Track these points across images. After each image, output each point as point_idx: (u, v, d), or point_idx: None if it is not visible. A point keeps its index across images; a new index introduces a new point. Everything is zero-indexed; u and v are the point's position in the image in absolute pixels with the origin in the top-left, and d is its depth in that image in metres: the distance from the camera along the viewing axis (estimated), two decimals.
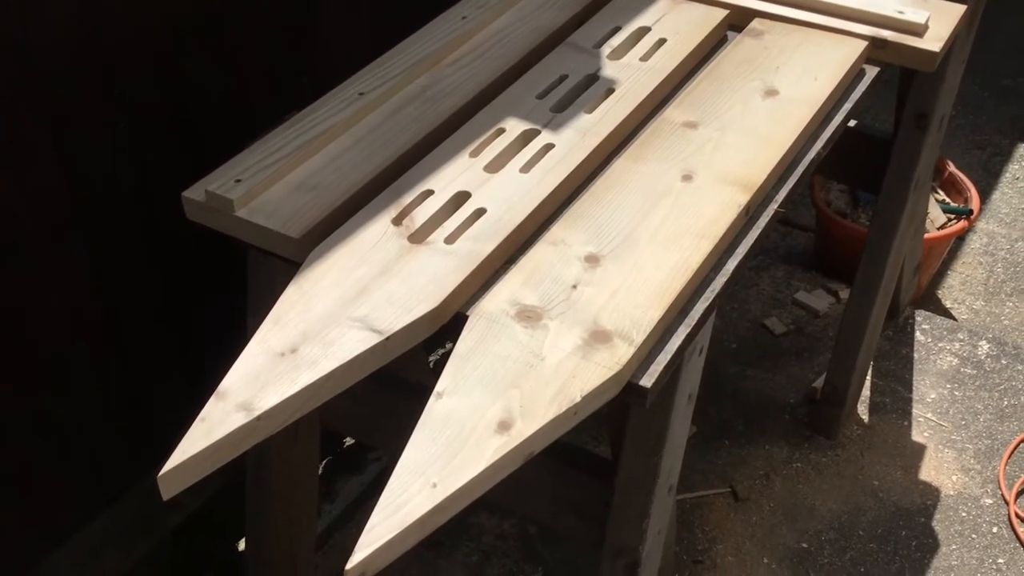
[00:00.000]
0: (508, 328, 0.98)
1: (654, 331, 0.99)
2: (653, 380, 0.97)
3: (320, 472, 1.83)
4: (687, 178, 1.17)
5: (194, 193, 1.14)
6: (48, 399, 1.35)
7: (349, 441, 1.99)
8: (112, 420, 1.46)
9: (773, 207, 1.18)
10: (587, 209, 1.14)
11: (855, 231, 2.41)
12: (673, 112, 1.29)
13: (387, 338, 0.97)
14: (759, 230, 1.15)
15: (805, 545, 1.92)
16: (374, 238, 1.08)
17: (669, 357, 1.00)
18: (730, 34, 1.49)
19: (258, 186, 1.14)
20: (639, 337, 0.97)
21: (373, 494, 1.94)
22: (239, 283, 1.27)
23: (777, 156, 1.21)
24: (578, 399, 0.91)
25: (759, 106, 1.29)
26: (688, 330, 1.03)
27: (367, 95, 1.29)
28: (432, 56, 1.37)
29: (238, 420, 0.88)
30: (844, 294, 2.49)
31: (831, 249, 2.53)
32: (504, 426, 0.88)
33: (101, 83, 1.26)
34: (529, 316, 1.00)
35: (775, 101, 1.30)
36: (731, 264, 1.10)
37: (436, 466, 0.84)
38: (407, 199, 1.14)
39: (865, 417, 2.19)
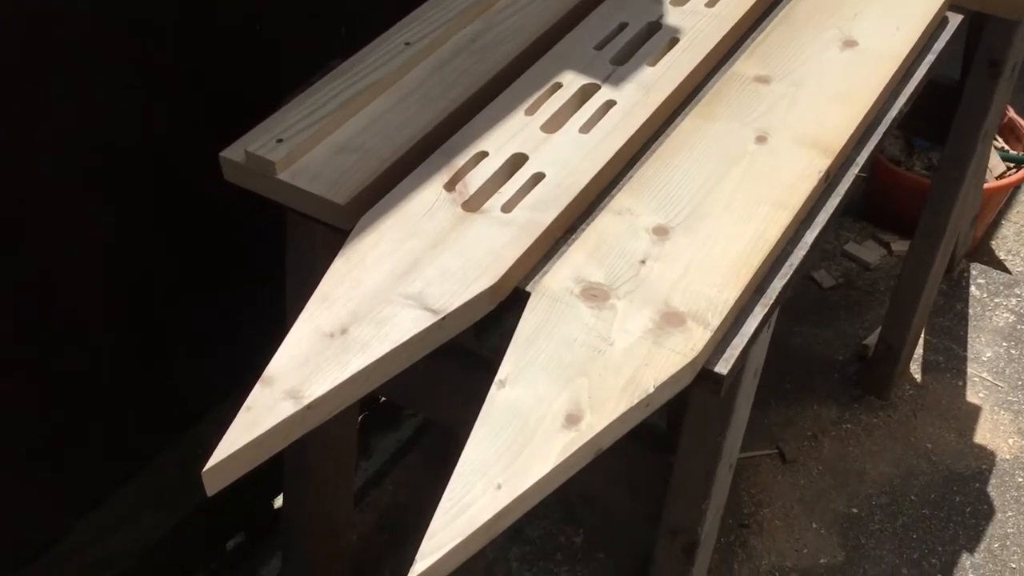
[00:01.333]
0: (573, 308, 0.91)
1: (731, 311, 0.92)
2: (729, 366, 0.90)
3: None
4: (761, 139, 1.09)
5: (233, 154, 1.06)
6: (74, 360, 1.30)
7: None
8: (141, 381, 1.40)
9: (854, 171, 1.10)
10: (654, 174, 1.05)
11: (911, 180, 2.30)
12: (743, 65, 1.19)
13: (443, 317, 0.90)
14: (839, 198, 1.06)
15: (855, 510, 1.86)
16: (426, 205, 1.01)
17: (746, 340, 0.92)
18: None
19: (300, 147, 1.06)
20: (715, 320, 0.90)
21: (409, 451, 1.89)
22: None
23: (859, 115, 1.12)
24: (651, 390, 0.84)
25: (836, 59, 1.19)
26: (765, 310, 0.95)
27: (413, 45, 1.20)
28: (483, 2, 1.28)
29: (287, 409, 0.82)
30: (896, 246, 2.40)
31: (884, 198, 2.42)
32: (572, 419, 0.82)
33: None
34: (595, 295, 0.92)
35: (854, 53, 1.20)
36: (809, 236, 1.02)
37: (500, 464, 0.78)
38: (459, 161, 1.06)
39: (918, 376, 2.11)
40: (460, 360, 1.18)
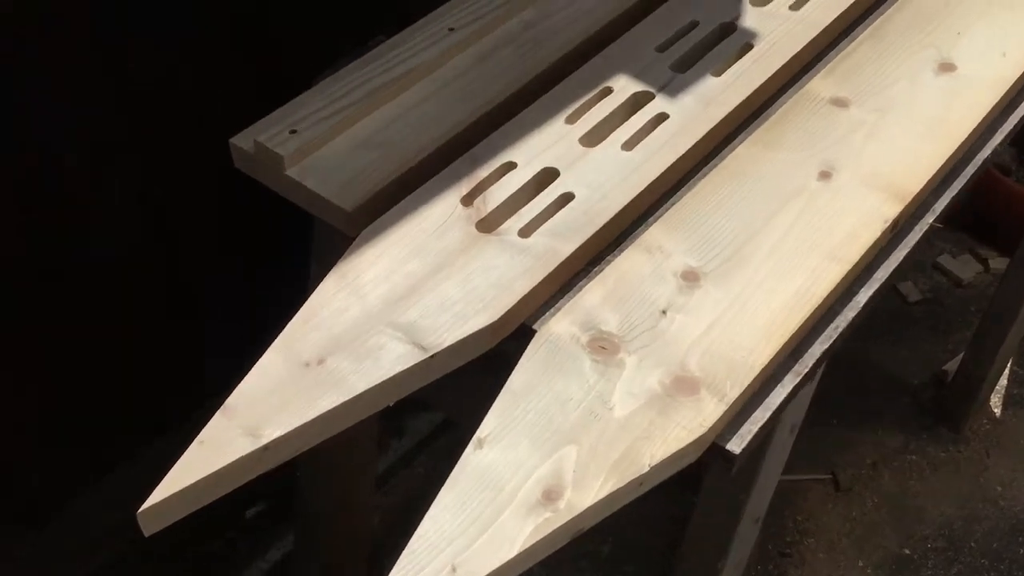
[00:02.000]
0: (576, 360, 0.82)
1: (754, 381, 0.81)
2: (744, 444, 0.80)
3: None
4: (825, 175, 0.96)
5: (243, 141, 0.99)
6: (97, 327, 1.26)
7: None
8: (157, 354, 1.37)
9: (928, 220, 0.97)
10: (696, 206, 0.94)
11: (1018, 193, 2.11)
12: (820, 83, 1.06)
13: (432, 356, 0.82)
14: (905, 250, 0.94)
15: (908, 551, 1.73)
16: (437, 220, 0.92)
17: (769, 414, 0.82)
18: None
19: (316, 139, 0.98)
20: (733, 391, 0.80)
21: (443, 432, 1.83)
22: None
23: (945, 153, 0.98)
24: (646, 468, 0.75)
25: (930, 84, 1.05)
26: (797, 380, 0.84)
27: (458, 31, 1.10)
28: None
29: (242, 448, 0.75)
30: (995, 263, 2.21)
31: (988, 209, 2.23)
32: (551, 496, 0.73)
33: None
34: (604, 346, 0.83)
35: (951, 79, 1.06)
36: (864, 295, 0.90)
37: (461, 542, 0.70)
38: (484, 172, 0.97)
39: (997, 411, 1.96)
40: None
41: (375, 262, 0.88)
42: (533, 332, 0.86)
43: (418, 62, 1.06)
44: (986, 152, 1.02)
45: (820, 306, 0.86)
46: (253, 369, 0.80)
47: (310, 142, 0.98)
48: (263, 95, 1.04)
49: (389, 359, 0.81)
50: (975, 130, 1.01)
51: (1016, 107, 1.07)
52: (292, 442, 0.77)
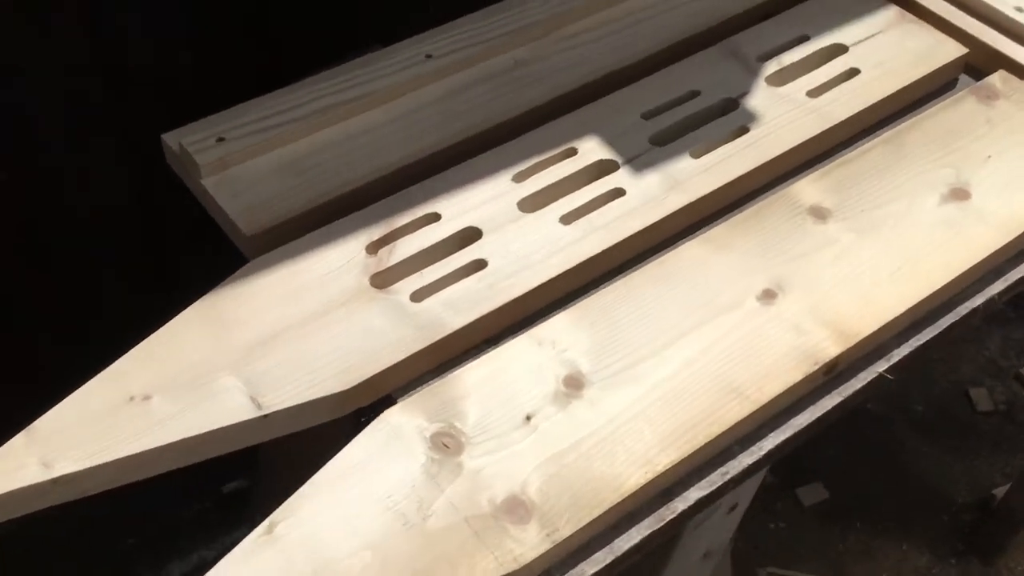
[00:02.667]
0: (411, 453, 0.74)
1: (599, 521, 0.72)
2: None
3: None
4: (769, 295, 0.85)
5: (172, 139, 0.95)
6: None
7: None
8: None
9: (880, 367, 0.84)
10: (612, 301, 0.85)
11: None
12: (808, 185, 0.94)
13: (266, 415, 0.76)
14: (838, 399, 0.82)
15: None
16: (332, 265, 0.86)
17: (612, 558, 0.73)
18: (963, 78, 1.09)
19: (242, 152, 0.93)
20: (566, 530, 0.71)
21: None
22: None
23: (915, 298, 0.85)
24: None
25: (931, 211, 0.92)
26: (659, 525, 0.75)
27: (436, 59, 1.03)
28: (548, 22, 1.08)
29: (30, 476, 0.71)
30: None
31: None
32: None
33: None
34: (447, 444, 0.75)
35: (958, 209, 0.92)
36: (769, 443, 0.79)
37: None
38: (402, 219, 0.90)
39: None
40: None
41: (249, 299, 0.83)
42: (393, 403, 0.79)
43: (378, 87, 1.00)
44: (976, 302, 0.88)
45: (705, 447, 0.76)
46: (74, 393, 0.75)
47: (234, 154, 0.93)
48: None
49: (220, 410, 0.76)
50: (964, 276, 0.87)
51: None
52: (89, 480, 0.73)
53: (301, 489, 0.72)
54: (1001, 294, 0.90)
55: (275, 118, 0.96)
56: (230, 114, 0.95)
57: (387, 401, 0.80)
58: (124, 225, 1.26)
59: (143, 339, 0.79)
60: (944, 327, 0.87)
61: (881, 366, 0.84)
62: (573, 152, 0.96)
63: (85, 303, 1.28)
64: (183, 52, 1.15)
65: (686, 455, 0.75)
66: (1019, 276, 0.91)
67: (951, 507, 1.82)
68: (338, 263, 0.86)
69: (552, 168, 0.95)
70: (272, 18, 1.20)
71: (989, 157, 0.96)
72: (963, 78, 1.09)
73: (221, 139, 0.93)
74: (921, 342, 0.85)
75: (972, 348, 2.09)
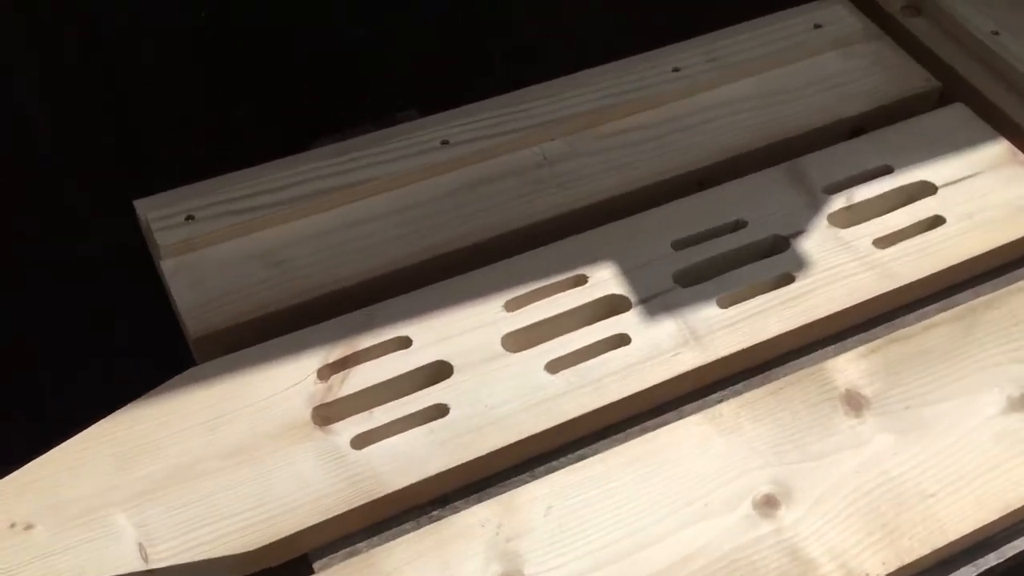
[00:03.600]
0: None
1: None
2: None
3: None
4: (770, 503, 0.71)
5: (141, 209, 0.86)
6: None
7: None
8: None
9: None
10: (582, 482, 0.72)
11: None
12: (848, 363, 0.79)
13: (151, 571, 0.67)
14: None
15: None
16: (276, 388, 0.76)
17: None
18: None
19: (211, 235, 0.84)
20: None
21: None
22: None
23: (955, 532, 0.70)
24: None
25: (986, 420, 0.76)
26: None
27: (453, 147, 0.92)
28: (592, 115, 0.96)
29: None
30: None
31: None
32: None
33: None
34: None
35: (1019, 421, 0.76)
36: None
37: None
38: (368, 340, 0.79)
39: None
40: None
41: (165, 420, 0.73)
42: (311, 571, 0.69)
43: (382, 172, 0.89)
44: (1012, 551, 0.72)
45: None
46: None
47: (202, 236, 0.84)
48: None
49: (103, 555, 0.67)
50: (1008, 517, 0.71)
51: None
52: None
53: None
54: None
55: (258, 198, 0.86)
56: (203, 187, 0.87)
57: (303, 561, 0.70)
58: None
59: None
60: (979, 572, 0.71)
61: None
62: (583, 280, 0.84)
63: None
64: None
65: None
66: None
67: None
68: (283, 386, 0.76)
69: (553, 298, 0.83)
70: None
71: None
72: None
73: (191, 217, 0.84)
74: None
75: None
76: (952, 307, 0.84)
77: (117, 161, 1.10)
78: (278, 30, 1.09)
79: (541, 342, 0.80)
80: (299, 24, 1.10)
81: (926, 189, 0.91)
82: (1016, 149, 0.94)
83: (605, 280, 0.84)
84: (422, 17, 1.14)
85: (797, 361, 0.82)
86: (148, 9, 1.02)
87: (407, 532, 0.70)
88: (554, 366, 0.78)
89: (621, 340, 0.80)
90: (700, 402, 0.79)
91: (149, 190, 0.86)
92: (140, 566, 0.66)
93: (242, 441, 0.73)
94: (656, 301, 0.82)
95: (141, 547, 0.67)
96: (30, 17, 0.97)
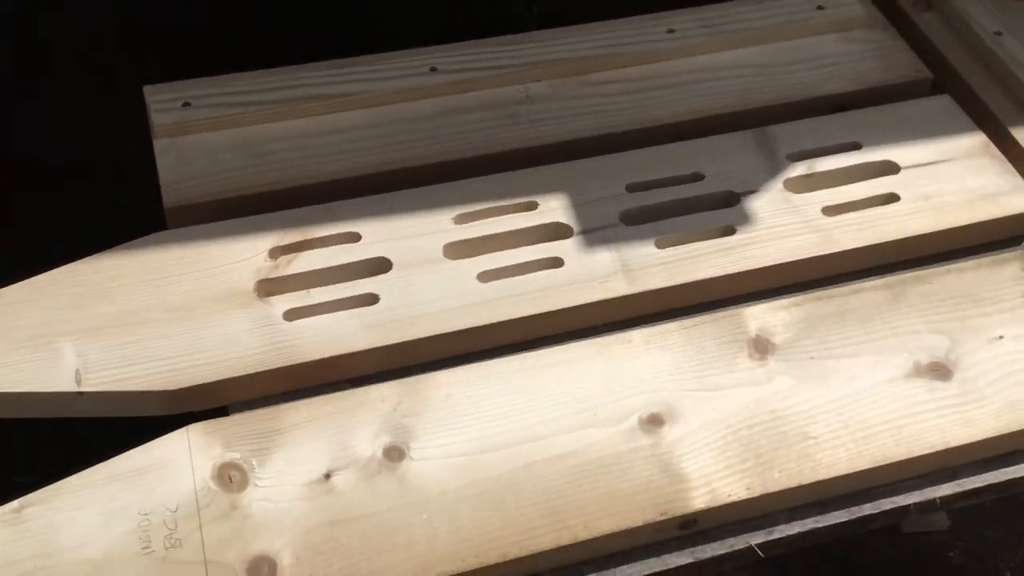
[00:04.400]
0: (191, 475, 0.70)
1: None
2: None
3: None
4: (655, 421, 0.75)
5: (147, 92, 0.94)
6: None
7: None
8: None
9: (747, 540, 0.72)
10: (481, 377, 0.77)
11: None
12: (765, 311, 0.82)
13: (80, 393, 0.74)
14: (686, 559, 0.71)
15: None
16: (231, 260, 0.83)
17: None
18: None
19: (203, 122, 0.92)
20: None
21: None
22: None
23: (828, 472, 0.73)
24: None
25: (895, 381, 0.78)
26: None
27: (440, 74, 0.98)
28: (580, 62, 1.00)
29: None
30: None
31: None
32: None
33: None
34: (232, 478, 0.71)
35: (927, 389, 0.78)
36: None
37: None
38: (322, 230, 0.85)
39: None
40: None
41: (126, 271, 0.81)
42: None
43: (369, 89, 0.96)
44: (908, 500, 0.74)
45: (501, 566, 0.68)
46: None
47: (194, 122, 0.92)
48: None
49: (41, 374, 0.75)
50: (897, 466, 0.73)
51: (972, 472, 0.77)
52: None
53: (70, 478, 0.69)
54: (949, 499, 0.75)
55: (249, 95, 0.94)
56: (207, 82, 0.94)
57: (222, 412, 0.77)
58: None
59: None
60: (852, 518, 0.73)
61: (757, 538, 0.72)
62: (534, 206, 0.89)
63: None
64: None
65: (470, 568, 0.67)
66: (977, 485, 0.76)
67: None
68: (235, 259, 0.83)
69: (501, 218, 0.88)
70: None
71: (1000, 337, 0.81)
72: None
73: (187, 104, 0.92)
74: (812, 527, 0.73)
75: None
76: None
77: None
78: None
79: (480, 254, 0.85)
80: None
81: (889, 168, 0.93)
82: (991, 143, 0.95)
83: (554, 209, 0.88)
84: None
85: (724, 308, 0.85)
86: None
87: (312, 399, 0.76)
88: (486, 276, 0.83)
89: (555, 263, 0.85)
90: (620, 331, 0.83)
91: None
92: (72, 388, 0.74)
93: (187, 300, 0.80)
94: (597, 233, 0.87)
95: (78, 373, 0.74)
96: None
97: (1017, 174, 0.93)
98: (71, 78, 1.13)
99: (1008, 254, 0.88)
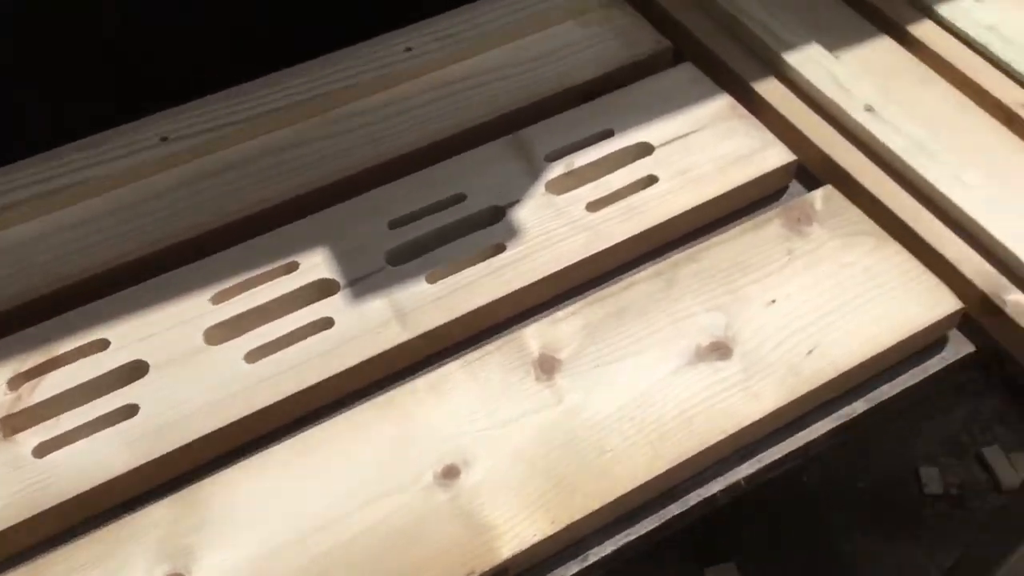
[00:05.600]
0: None
1: None
2: None
3: None
4: (451, 473, 0.72)
5: None
6: None
7: None
8: None
9: (565, 573, 0.71)
10: (256, 471, 0.73)
11: None
12: (545, 328, 0.80)
13: None
14: None
15: None
16: None
17: None
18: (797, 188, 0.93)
19: None
20: None
21: None
22: None
23: (625, 486, 0.71)
24: None
25: (673, 375, 0.77)
26: None
27: (172, 143, 0.92)
28: (327, 98, 0.96)
29: None
30: None
31: None
32: None
33: None
34: None
35: (713, 371, 0.77)
36: None
37: None
38: (65, 345, 0.79)
39: None
40: None
41: None
42: None
43: (97, 174, 0.89)
44: (708, 491, 0.74)
45: None
46: None
47: None
48: None
49: None
50: (692, 461, 0.73)
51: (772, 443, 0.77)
52: None
53: None
54: (752, 477, 0.75)
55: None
56: None
57: None
58: None
59: None
60: (661, 522, 0.72)
61: (572, 568, 0.71)
62: (294, 267, 0.84)
63: None
64: None
65: None
66: (776, 457, 0.76)
67: None
68: None
69: (262, 287, 0.83)
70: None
71: (773, 302, 0.81)
72: (797, 187, 0.94)
73: None
74: (624, 542, 0.72)
75: (933, 422, 1.90)
76: None
77: None
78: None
79: (244, 333, 0.80)
80: None
81: (644, 150, 0.92)
82: (737, 103, 0.95)
83: (316, 264, 0.84)
84: None
85: (507, 331, 0.82)
86: None
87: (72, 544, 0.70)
88: (253, 355, 0.78)
89: (326, 324, 0.80)
90: (404, 380, 0.79)
91: None
92: None
93: None
94: (365, 282, 0.83)
95: None
96: None
97: (765, 129, 0.93)
98: None
99: (769, 212, 0.88)
